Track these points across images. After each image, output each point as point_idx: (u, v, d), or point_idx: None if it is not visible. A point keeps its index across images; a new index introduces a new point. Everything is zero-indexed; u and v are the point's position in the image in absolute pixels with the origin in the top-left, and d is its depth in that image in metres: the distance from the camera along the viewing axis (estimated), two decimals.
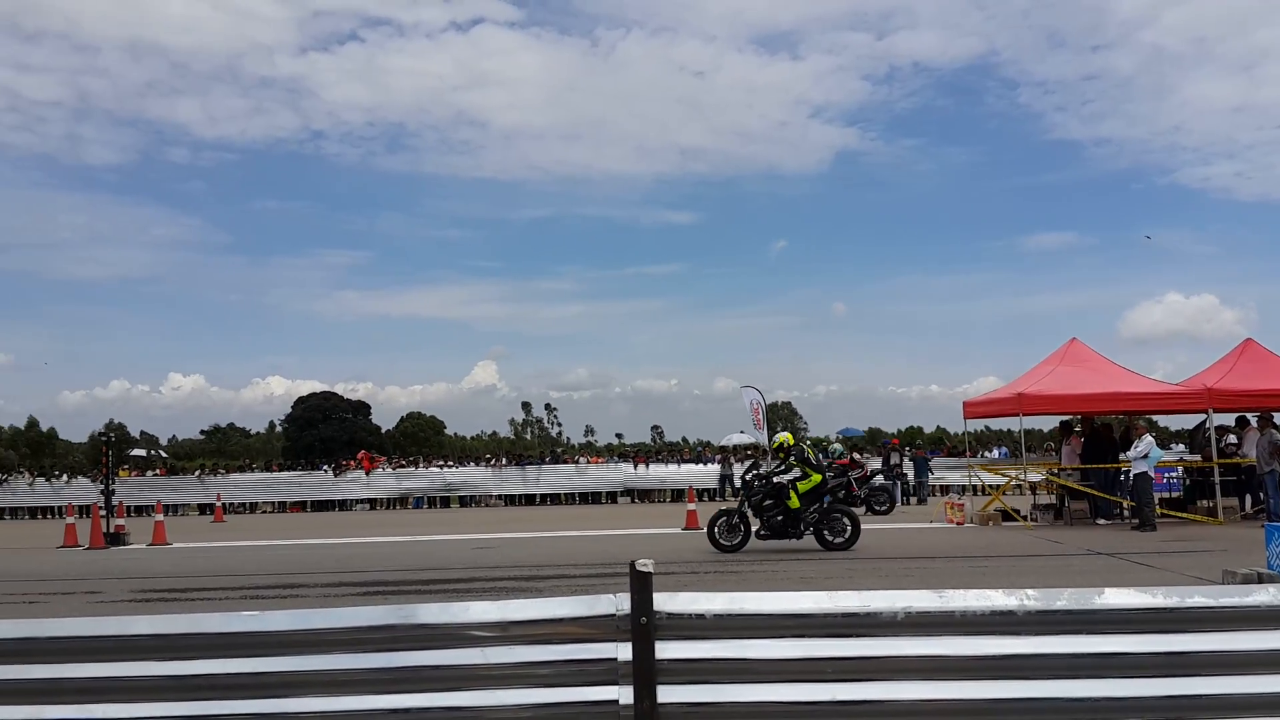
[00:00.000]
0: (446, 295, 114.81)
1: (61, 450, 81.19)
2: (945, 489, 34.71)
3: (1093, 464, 20.59)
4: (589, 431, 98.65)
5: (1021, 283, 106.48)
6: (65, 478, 42.17)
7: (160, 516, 23.54)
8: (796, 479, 15.95)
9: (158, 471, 43.88)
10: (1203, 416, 21.08)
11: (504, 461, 43.33)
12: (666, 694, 3.64)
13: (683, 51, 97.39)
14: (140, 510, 34.15)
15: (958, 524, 21.07)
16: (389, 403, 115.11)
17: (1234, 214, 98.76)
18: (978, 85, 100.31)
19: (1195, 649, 3.64)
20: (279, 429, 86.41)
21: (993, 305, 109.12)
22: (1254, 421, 20.64)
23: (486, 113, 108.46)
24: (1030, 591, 3.66)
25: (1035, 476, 22.86)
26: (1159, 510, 19.66)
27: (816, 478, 16.02)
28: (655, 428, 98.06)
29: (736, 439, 44.83)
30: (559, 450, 67.12)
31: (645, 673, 3.63)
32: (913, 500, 32.33)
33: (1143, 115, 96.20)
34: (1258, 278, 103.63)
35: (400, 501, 39.52)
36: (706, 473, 37.23)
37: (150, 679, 3.71)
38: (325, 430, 73.35)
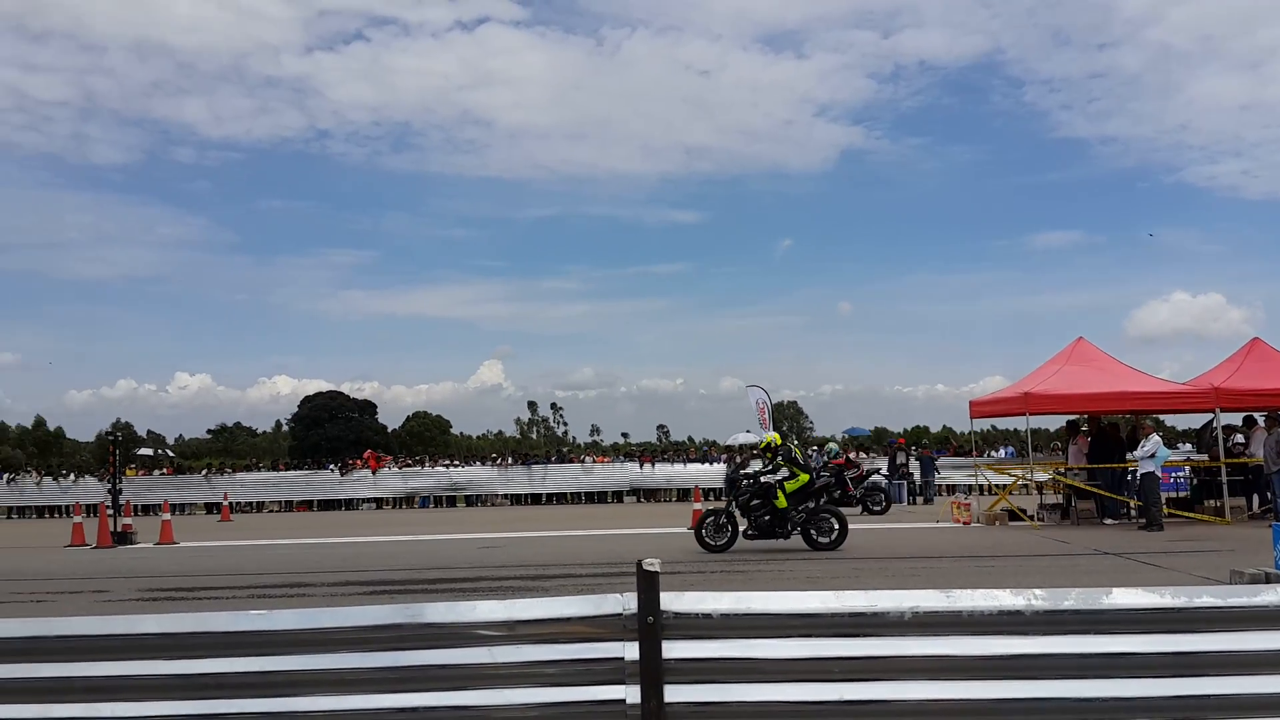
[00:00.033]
0: (452, 295, 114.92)
1: (69, 449, 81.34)
2: (951, 489, 34.66)
3: (1099, 463, 20.56)
4: (595, 431, 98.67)
5: (1027, 282, 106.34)
6: (72, 477, 42.27)
7: (167, 515, 23.59)
8: (784, 479, 15.96)
9: (165, 471, 43.99)
10: (1210, 416, 21.04)
11: (510, 461, 43.36)
12: (673, 693, 3.64)
13: (688, 50, 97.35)
14: (147, 509, 34.26)
15: (964, 524, 21.05)
16: (395, 402, 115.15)
17: (1241, 212, 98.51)
18: (983, 84, 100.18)
19: (1203, 649, 3.63)
20: (285, 428, 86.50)
21: (999, 304, 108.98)
22: (1261, 421, 20.59)
23: (492, 112, 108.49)
24: (1038, 591, 3.65)
25: (1042, 476, 22.85)
26: (1166, 510, 19.61)
27: (804, 477, 16.03)
28: (661, 427, 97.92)
29: (742, 438, 44.78)
30: (565, 450, 67.11)
31: (652, 672, 3.63)
32: (919, 500, 32.29)
33: (1149, 113, 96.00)
34: (1265, 276, 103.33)
35: (406, 501, 39.60)
36: (712, 472, 37.23)
37: (158, 678, 3.71)
38: (331, 429, 73.41)
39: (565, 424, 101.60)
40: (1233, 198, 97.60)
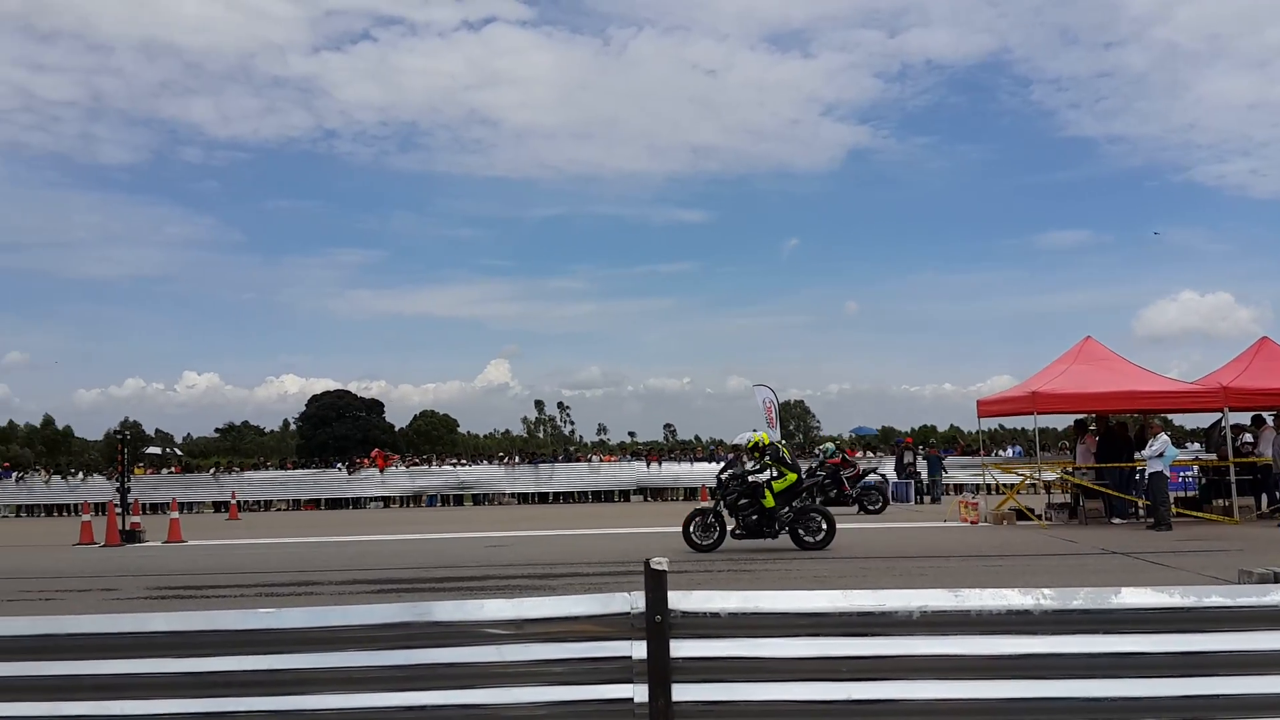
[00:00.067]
0: (459, 294, 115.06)
1: (77, 448, 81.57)
2: (959, 488, 34.58)
3: (1108, 463, 20.52)
4: (601, 430, 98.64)
5: (1035, 281, 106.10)
6: (81, 475, 42.42)
7: (175, 514, 23.64)
8: (772, 478, 15.95)
9: (173, 469, 44.09)
10: (1218, 415, 20.98)
11: (517, 460, 43.41)
12: (681, 692, 3.64)
13: (694, 50, 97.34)
14: (155, 508, 34.29)
15: (972, 523, 21.01)
16: (402, 401, 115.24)
17: (1249, 211, 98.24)
18: (990, 82, 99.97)
19: (1212, 649, 3.62)
20: (293, 427, 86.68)
21: (1006, 303, 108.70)
22: (1270, 420, 20.56)
23: (498, 112, 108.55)
24: (1046, 591, 3.65)
25: (1050, 475, 22.79)
26: (1174, 509, 19.57)
27: (792, 477, 16.03)
28: (668, 426, 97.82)
29: (749, 437, 44.73)
30: (572, 449, 67.18)
31: (660, 671, 3.63)
32: (926, 499, 32.24)
33: (1157, 112, 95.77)
34: (1273, 275, 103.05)
35: (414, 499, 39.66)
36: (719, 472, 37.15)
37: (167, 676, 3.72)
38: (339, 428, 73.55)
39: (572, 423, 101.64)
40: (1241, 197, 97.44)
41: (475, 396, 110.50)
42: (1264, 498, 20.75)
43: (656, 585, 3.67)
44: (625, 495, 38.76)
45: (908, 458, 34.03)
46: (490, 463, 43.67)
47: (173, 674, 3.72)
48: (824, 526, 15.84)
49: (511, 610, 3.72)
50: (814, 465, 28.10)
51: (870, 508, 25.42)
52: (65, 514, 37.84)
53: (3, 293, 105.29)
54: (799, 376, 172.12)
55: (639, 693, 3.65)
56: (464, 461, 44.37)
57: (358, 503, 39.35)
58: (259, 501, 39.78)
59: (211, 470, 43.73)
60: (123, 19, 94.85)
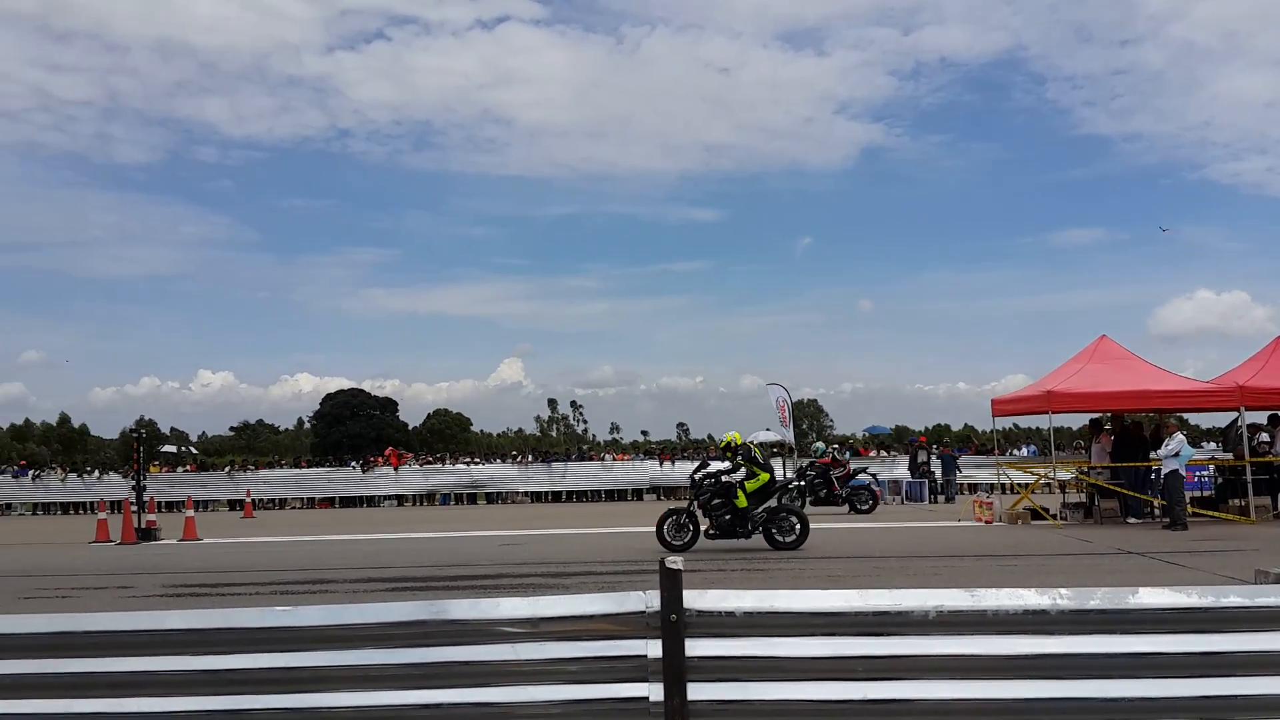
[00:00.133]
0: (472, 293, 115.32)
1: (93, 446, 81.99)
2: (973, 487, 34.51)
3: (1123, 462, 20.43)
4: (614, 428, 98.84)
5: (1050, 279, 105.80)
6: (97, 473, 42.62)
7: (191, 512, 23.76)
8: (744, 479, 15.94)
9: (188, 467, 44.26)
10: (1234, 414, 20.88)
11: (530, 458, 43.44)
12: (696, 691, 3.64)
13: (708, 48, 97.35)
14: (171, 506, 34.47)
15: (986, 522, 20.96)
16: (416, 400, 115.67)
17: (1265, 210, 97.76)
18: (1005, 80, 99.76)
19: (1230, 649, 3.60)
20: (307, 425, 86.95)
21: (1021, 302, 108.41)
22: None
23: (512, 110, 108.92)
24: (1063, 591, 3.63)
25: (1065, 475, 22.71)
26: (1190, 509, 19.49)
27: (764, 477, 16.02)
28: (681, 425, 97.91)
29: (763, 436, 44.70)
30: (585, 447, 67.21)
31: (675, 670, 3.63)
32: (940, 499, 32.16)
33: (1172, 110, 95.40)
34: None
35: (427, 498, 39.77)
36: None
37: (184, 673, 3.73)
38: (353, 427, 73.73)
39: (585, 422, 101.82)
40: (1257, 195, 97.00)
41: (488, 395, 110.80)
42: None
43: (671, 584, 3.67)
44: (638, 494, 38.76)
45: (922, 457, 33.95)
46: (503, 461, 43.74)
47: (189, 671, 3.73)
48: (797, 526, 15.83)
49: (527, 609, 3.72)
50: (804, 465, 28.15)
51: (860, 507, 25.44)
52: (81, 512, 38.04)
53: (20, 292, 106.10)
54: (812, 375, 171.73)
55: (654, 691, 3.65)
56: (477, 460, 44.45)
57: (372, 501, 39.47)
58: (274, 500, 39.94)
59: (226, 469, 43.90)
60: (138, 19, 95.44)
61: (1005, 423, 36.36)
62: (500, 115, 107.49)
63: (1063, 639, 3.58)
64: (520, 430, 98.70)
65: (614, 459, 43.15)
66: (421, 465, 42.13)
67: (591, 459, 43.42)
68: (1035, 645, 3.57)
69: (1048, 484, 23.77)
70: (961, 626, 3.60)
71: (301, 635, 3.72)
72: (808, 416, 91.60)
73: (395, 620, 3.73)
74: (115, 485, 37.67)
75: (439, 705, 3.66)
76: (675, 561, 3.69)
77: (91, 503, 35.68)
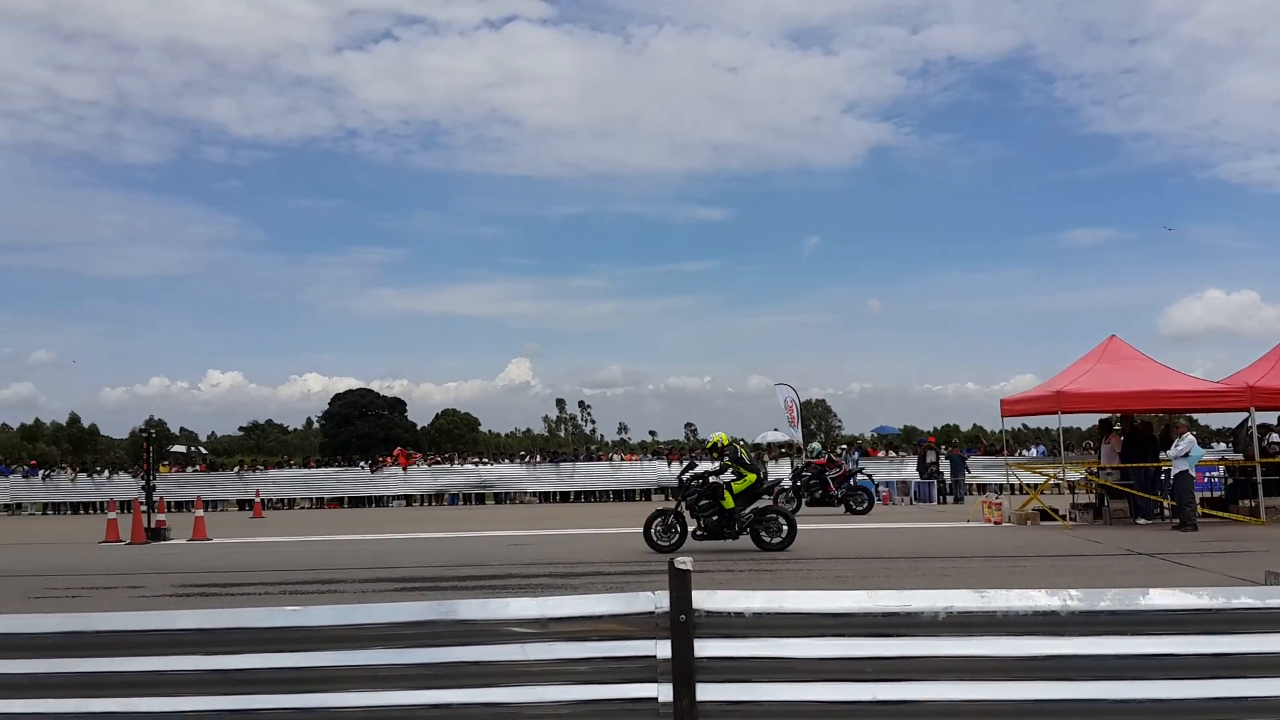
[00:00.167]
0: (480, 293, 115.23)
1: (103, 446, 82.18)
2: (982, 488, 34.46)
3: (1133, 463, 20.39)
4: (622, 429, 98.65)
5: (1059, 279, 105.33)
6: (107, 473, 42.73)
7: (200, 512, 23.81)
8: (731, 480, 15.95)
9: (198, 467, 44.39)
10: (1245, 415, 20.81)
11: (538, 458, 43.47)
12: (705, 692, 3.64)
13: (715, 47, 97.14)
14: (180, 506, 34.55)
15: (995, 523, 20.93)
16: (424, 400, 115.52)
17: (1276, 209, 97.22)
18: (1013, 79, 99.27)
19: (1241, 650, 3.59)
20: (316, 425, 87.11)
21: (1030, 302, 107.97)
22: None
23: (519, 110, 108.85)
24: (1074, 592, 3.62)
25: (1074, 475, 22.67)
26: (1200, 510, 19.43)
27: (751, 478, 16.04)
28: (689, 425, 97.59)
29: (771, 437, 44.76)
30: (593, 447, 67.23)
31: (684, 670, 3.63)
32: (949, 499, 32.12)
33: (1181, 109, 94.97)
34: None
35: (436, 498, 39.81)
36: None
37: (194, 673, 3.74)
38: (362, 427, 73.84)
39: (593, 422, 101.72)
40: (1267, 194, 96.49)
41: (496, 395, 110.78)
42: None
43: (681, 585, 3.66)
44: (646, 494, 38.75)
45: (930, 457, 33.89)
46: (511, 461, 43.77)
47: (200, 671, 3.74)
48: (785, 527, 15.84)
49: (536, 609, 3.72)
50: (799, 466, 28.14)
51: (856, 508, 25.47)
52: (91, 511, 38.17)
53: (29, 292, 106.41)
54: (820, 375, 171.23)
55: (663, 692, 3.65)
56: (485, 460, 44.48)
57: (380, 501, 39.53)
58: (283, 500, 40.04)
59: (236, 468, 44.00)
60: (146, 19, 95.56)
61: (1014, 423, 36.23)
62: (508, 115, 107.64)
63: (1073, 640, 3.57)
64: (528, 430, 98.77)
65: (622, 459, 43.15)
66: (430, 465, 42.19)
67: (599, 459, 43.44)
68: (1045, 646, 3.56)
69: (1057, 485, 23.74)
70: (971, 627, 3.60)
71: (311, 635, 3.73)
72: (816, 417, 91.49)
73: (404, 620, 3.73)
74: (125, 485, 37.80)
75: (448, 705, 3.67)
76: (684, 562, 3.69)
77: (101, 503, 35.77)
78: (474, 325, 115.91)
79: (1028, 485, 23.29)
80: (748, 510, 15.96)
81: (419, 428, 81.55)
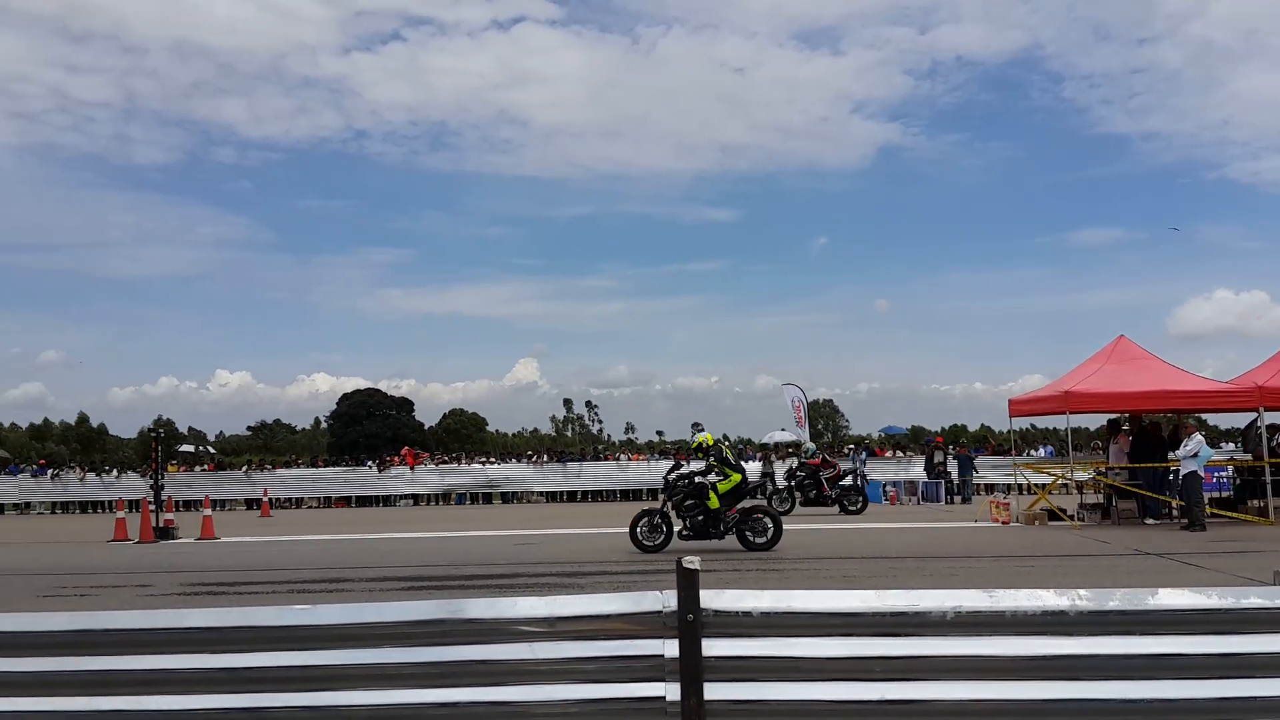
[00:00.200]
0: (488, 293, 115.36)
1: (111, 445, 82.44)
2: (990, 488, 34.39)
3: (1141, 463, 20.34)
4: (630, 428, 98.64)
5: (1067, 279, 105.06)
6: (115, 472, 42.82)
7: (208, 511, 23.87)
8: (716, 480, 15.96)
9: (206, 467, 44.48)
10: (1253, 415, 20.75)
11: (545, 458, 43.48)
12: (713, 690, 3.64)
13: (723, 48, 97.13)
14: (189, 505, 34.64)
15: (1003, 523, 20.89)
16: (432, 400, 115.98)
17: None
18: (1022, 79, 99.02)
19: (1250, 650, 3.58)
20: (324, 425, 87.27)
21: (1038, 302, 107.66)
22: None
23: (527, 111, 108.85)
24: (1082, 591, 3.62)
25: (1082, 475, 22.61)
26: (1209, 510, 19.38)
27: (736, 478, 16.06)
28: (695, 425, 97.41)
29: (778, 436, 44.72)
30: (600, 447, 67.26)
31: (692, 669, 3.63)
32: (957, 499, 32.07)
33: (1191, 109, 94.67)
34: None
35: (443, 497, 39.84)
36: (748, 470, 37.12)
37: (203, 671, 3.75)
38: (369, 427, 73.97)
39: (600, 421, 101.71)
40: (1276, 194, 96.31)
41: (504, 395, 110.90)
42: None
43: (688, 584, 3.67)
44: (653, 494, 38.65)
45: (938, 457, 33.85)
46: (519, 461, 43.80)
47: (209, 669, 3.75)
48: (770, 527, 15.86)
49: (544, 608, 3.73)
50: (793, 466, 28.12)
51: (850, 508, 25.49)
52: (100, 510, 38.25)
53: (39, 292, 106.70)
54: (828, 375, 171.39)
55: (671, 691, 3.65)
56: (493, 460, 44.52)
57: (388, 500, 39.57)
58: (291, 499, 40.09)
59: (244, 468, 44.09)
60: (155, 20, 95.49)
61: (1022, 423, 36.28)
62: (516, 116, 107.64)
63: (1082, 640, 3.56)
64: (535, 430, 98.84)
65: (629, 459, 43.15)
66: (437, 465, 42.23)
67: (607, 459, 43.44)
68: (1054, 646, 3.56)
69: (1065, 485, 23.67)
70: (980, 627, 3.60)
71: (320, 634, 3.74)
72: (823, 417, 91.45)
73: (413, 619, 3.74)
74: (133, 484, 37.86)
75: (456, 704, 3.67)
76: (692, 561, 3.69)
77: (110, 502, 35.88)
78: (482, 325, 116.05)
79: (1035, 485, 23.30)
80: (733, 510, 16.00)
81: (426, 427, 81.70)
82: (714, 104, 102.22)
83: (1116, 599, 3.62)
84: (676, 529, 16.05)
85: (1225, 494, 22.78)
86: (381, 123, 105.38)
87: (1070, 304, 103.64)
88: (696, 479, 16.10)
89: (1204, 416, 29.09)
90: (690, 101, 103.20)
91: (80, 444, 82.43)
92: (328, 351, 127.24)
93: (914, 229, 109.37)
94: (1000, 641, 3.58)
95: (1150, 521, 19.98)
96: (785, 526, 16.29)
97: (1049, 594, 3.62)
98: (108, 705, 3.79)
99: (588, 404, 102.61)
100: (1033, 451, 42.74)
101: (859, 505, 25.60)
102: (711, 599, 3.68)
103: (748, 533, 15.80)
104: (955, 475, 33.35)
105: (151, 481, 24.35)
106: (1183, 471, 18.71)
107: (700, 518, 15.93)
